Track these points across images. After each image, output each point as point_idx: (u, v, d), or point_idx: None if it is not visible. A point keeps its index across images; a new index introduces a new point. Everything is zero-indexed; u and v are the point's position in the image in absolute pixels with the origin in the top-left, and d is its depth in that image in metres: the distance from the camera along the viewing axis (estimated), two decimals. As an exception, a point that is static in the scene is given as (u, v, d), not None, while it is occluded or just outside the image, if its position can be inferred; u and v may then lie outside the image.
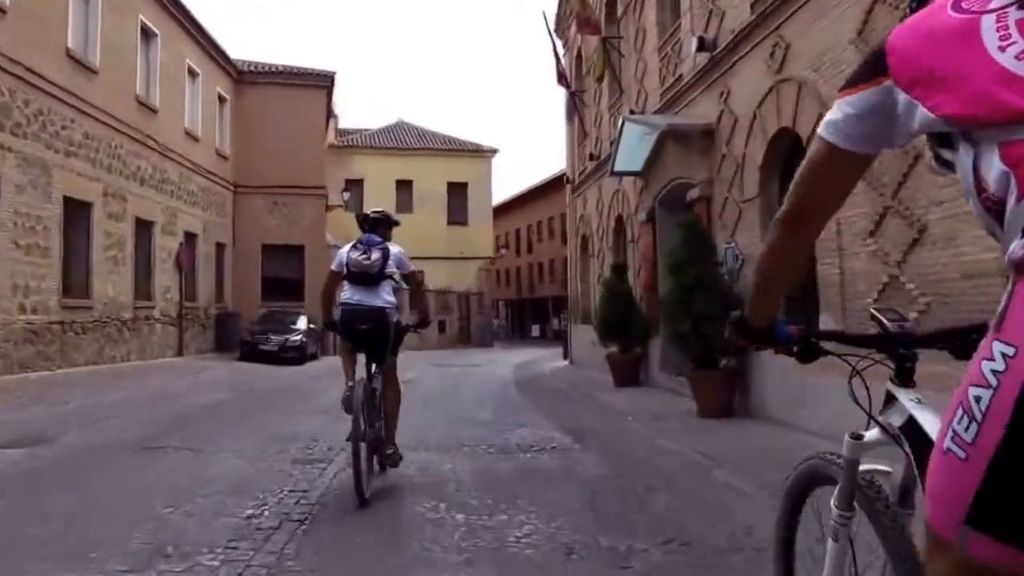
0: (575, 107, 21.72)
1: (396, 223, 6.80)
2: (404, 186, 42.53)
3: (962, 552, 1.19)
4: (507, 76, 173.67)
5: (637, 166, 14.41)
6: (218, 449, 7.77)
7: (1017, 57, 1.14)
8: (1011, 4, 1.19)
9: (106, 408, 11.04)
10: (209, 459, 7.21)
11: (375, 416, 5.78)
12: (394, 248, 6.20)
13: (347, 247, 6.22)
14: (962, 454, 1.17)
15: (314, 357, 25.33)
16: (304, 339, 23.37)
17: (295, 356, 22.69)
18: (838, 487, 1.93)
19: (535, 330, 59.27)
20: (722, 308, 9.14)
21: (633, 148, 13.91)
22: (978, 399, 1.14)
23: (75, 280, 16.55)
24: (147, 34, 20.64)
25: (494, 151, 45.11)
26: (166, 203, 21.63)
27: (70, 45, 16.29)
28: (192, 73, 23.84)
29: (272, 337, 22.82)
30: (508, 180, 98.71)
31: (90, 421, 9.68)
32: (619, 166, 14.70)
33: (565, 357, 24.87)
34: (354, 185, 41.90)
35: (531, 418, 11.18)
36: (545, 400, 14.01)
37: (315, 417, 10.57)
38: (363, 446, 5.42)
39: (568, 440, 8.67)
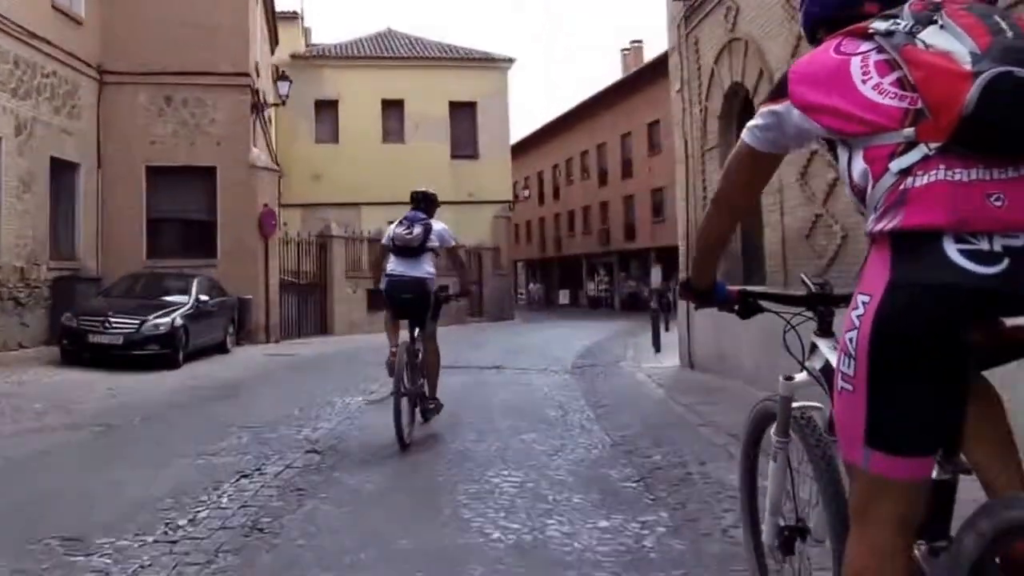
0: None
1: (439, 203, 7.19)
2: (392, 108, 31.96)
3: (867, 471, 1.65)
4: None
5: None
6: None
7: (874, 88, 1.67)
8: (871, 49, 1.72)
9: None
10: None
11: (417, 375, 6.49)
12: (437, 224, 6.75)
13: (394, 223, 6.80)
14: (850, 387, 1.65)
15: (220, 350, 14.97)
16: (184, 322, 12.96)
17: (158, 354, 12.34)
18: (776, 419, 2.39)
19: (563, 296, 48.59)
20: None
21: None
22: (851, 340, 1.63)
23: None
24: None
25: (509, 61, 34.30)
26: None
27: None
28: None
29: (113, 321, 12.40)
30: (522, 112, 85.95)
31: None
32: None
33: (658, 349, 14.39)
34: (327, 108, 31.58)
35: None
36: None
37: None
38: (404, 401, 6.08)
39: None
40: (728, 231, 2.27)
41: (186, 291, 14.02)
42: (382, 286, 6.76)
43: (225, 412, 8.29)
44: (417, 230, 6.53)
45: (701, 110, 11.43)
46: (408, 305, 6.60)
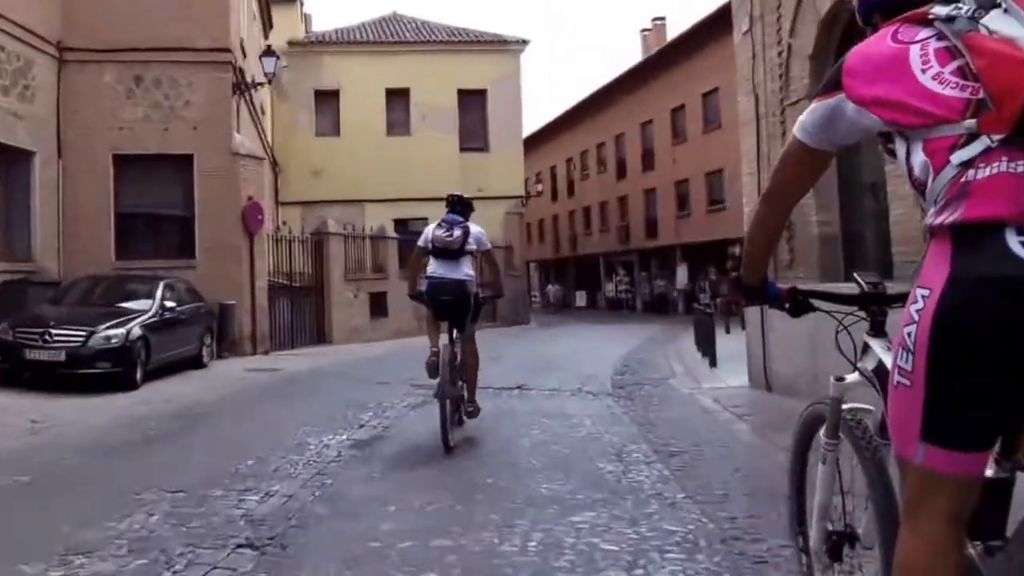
0: None
1: (473, 208, 7.09)
2: (397, 98, 29.87)
3: (921, 466, 1.62)
4: None
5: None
6: None
7: (934, 78, 1.62)
8: (931, 36, 1.67)
9: None
10: None
11: (456, 376, 6.45)
12: (474, 228, 6.75)
13: (432, 225, 6.81)
14: (907, 382, 1.63)
15: (195, 365, 12.83)
16: (144, 333, 10.83)
17: (110, 372, 10.21)
18: (826, 421, 2.34)
19: (579, 298, 46.29)
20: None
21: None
22: (909, 334, 1.61)
23: None
24: None
25: (522, 43, 32.09)
26: None
27: None
28: None
29: (55, 334, 10.24)
30: (531, 105, 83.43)
31: None
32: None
33: (713, 363, 12.13)
34: (327, 99, 29.50)
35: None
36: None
37: None
38: (447, 402, 6.10)
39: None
40: (780, 228, 2.30)
41: (149, 295, 11.88)
42: (422, 287, 6.83)
43: (157, 460, 6.16)
44: (457, 232, 6.60)
45: (781, 52, 9.16)
46: (448, 307, 6.61)
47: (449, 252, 6.60)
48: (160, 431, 7.36)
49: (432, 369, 6.32)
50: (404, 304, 23.62)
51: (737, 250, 30.61)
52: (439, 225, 6.73)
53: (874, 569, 2.13)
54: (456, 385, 6.52)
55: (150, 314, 11.34)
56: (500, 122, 31.00)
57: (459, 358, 6.56)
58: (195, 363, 12.88)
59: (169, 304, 11.87)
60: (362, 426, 7.42)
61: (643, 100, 38.29)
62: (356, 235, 21.59)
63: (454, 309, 6.59)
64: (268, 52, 17.16)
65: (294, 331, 18.27)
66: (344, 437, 6.83)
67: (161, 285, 12.12)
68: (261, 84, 17.58)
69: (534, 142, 46.22)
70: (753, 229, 2.22)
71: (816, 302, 2.31)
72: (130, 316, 11.03)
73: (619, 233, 40.89)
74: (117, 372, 10.26)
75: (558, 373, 12.20)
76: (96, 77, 14.94)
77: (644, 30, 44.91)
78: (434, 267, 6.70)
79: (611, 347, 17.08)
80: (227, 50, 15.69)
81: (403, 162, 28.88)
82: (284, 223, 19.88)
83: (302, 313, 18.92)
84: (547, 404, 8.87)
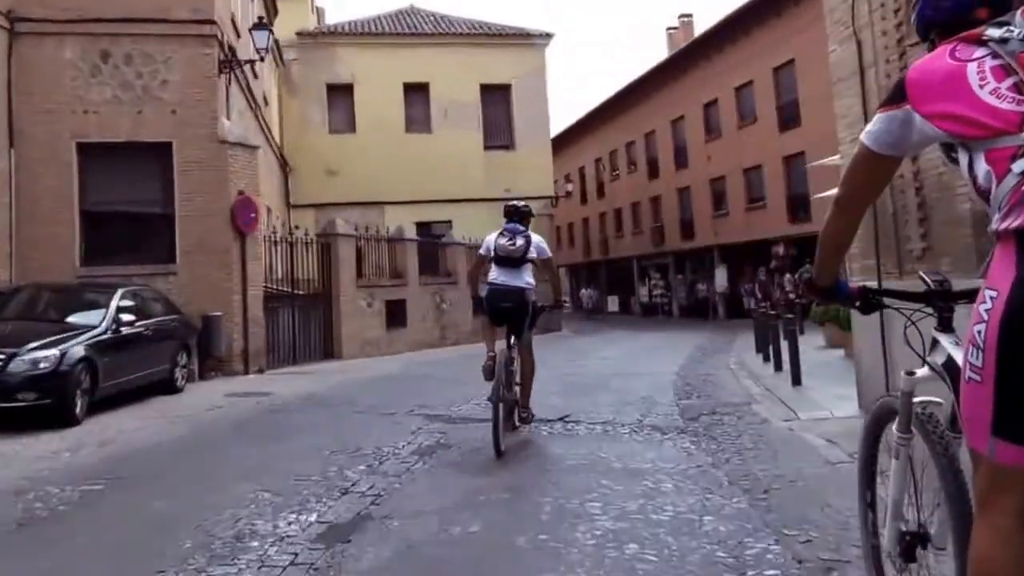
0: None
1: (533, 216, 7.30)
2: (416, 93, 27.72)
3: (992, 460, 1.69)
4: None
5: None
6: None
7: (992, 93, 1.76)
8: (986, 55, 1.81)
9: None
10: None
11: (511, 380, 6.54)
12: (535, 237, 6.89)
13: (494, 234, 6.89)
14: (978, 378, 1.69)
15: (166, 390, 10.58)
16: (89, 355, 8.59)
17: (38, 406, 7.96)
18: (898, 415, 2.37)
19: (611, 303, 43.74)
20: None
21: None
22: (979, 332, 1.68)
23: None
24: None
25: (547, 36, 29.78)
26: None
27: None
28: None
29: (-38, 358, 7.99)
30: (558, 104, 79.25)
31: None
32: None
33: (797, 380, 9.65)
34: (340, 93, 27.35)
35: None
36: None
37: None
38: (501, 406, 6.06)
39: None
40: (852, 232, 2.33)
41: (103, 305, 9.63)
42: (482, 294, 6.88)
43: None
44: (519, 241, 6.72)
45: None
46: (508, 313, 6.69)
47: (511, 260, 6.72)
48: (48, 511, 5.01)
49: (488, 372, 6.40)
50: (424, 313, 21.56)
51: (781, 249, 28.15)
52: (501, 234, 6.82)
53: (948, 569, 2.14)
54: (511, 390, 6.57)
55: (98, 331, 9.08)
56: (526, 119, 28.71)
57: (515, 364, 6.64)
58: (167, 387, 10.63)
59: (126, 318, 9.61)
60: (344, 493, 5.06)
61: (673, 96, 35.95)
62: (370, 236, 19.26)
63: (513, 315, 6.69)
64: (260, 25, 14.83)
65: (296, 345, 15.97)
66: (311, 521, 4.48)
67: (117, 295, 9.85)
68: (251, 61, 15.24)
69: (561, 143, 43.86)
70: (825, 234, 2.28)
71: (886, 300, 2.40)
72: (71, 334, 8.77)
73: (653, 235, 38.41)
74: (48, 404, 8.00)
75: (606, 395, 9.78)
76: (55, 52, 12.78)
77: (670, 28, 42.47)
78: (495, 274, 6.80)
79: (660, 359, 14.64)
80: (211, 22, 13.46)
81: (424, 161, 26.71)
82: (297, 227, 17.60)
83: (307, 325, 16.63)
84: (604, 449, 6.41)
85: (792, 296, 26.56)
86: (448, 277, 22.20)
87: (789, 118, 28.15)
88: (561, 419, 7.86)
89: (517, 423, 6.86)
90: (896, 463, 2.37)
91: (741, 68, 30.49)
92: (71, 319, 9.36)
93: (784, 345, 10.82)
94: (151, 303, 10.78)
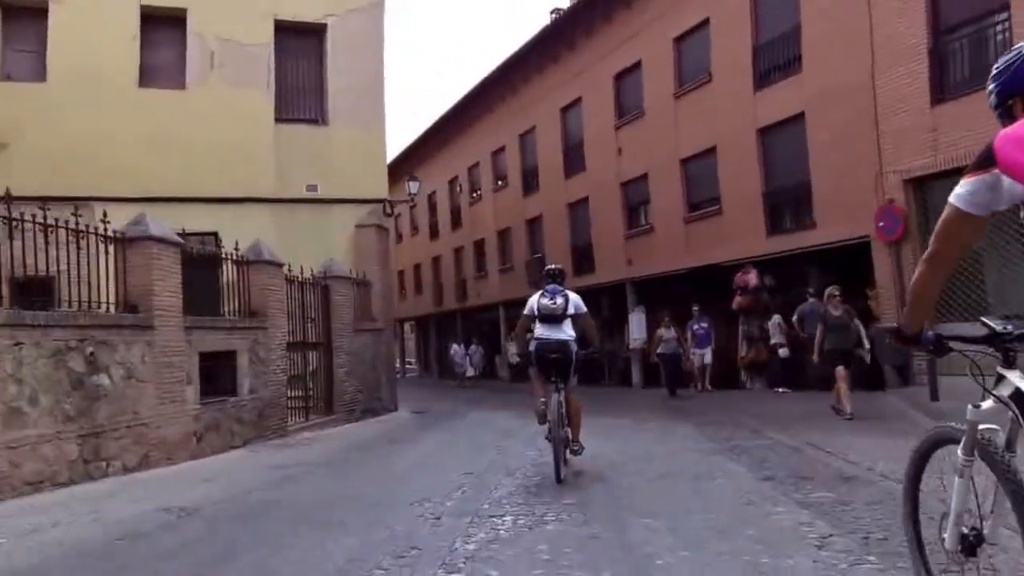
0: None
1: (566, 275, 8.49)
2: (163, 26, 17.40)
3: None
4: None
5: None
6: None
7: None
8: None
9: None
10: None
11: (563, 421, 7.44)
12: (572, 295, 7.85)
13: (537, 295, 7.88)
14: None
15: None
16: None
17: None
18: (963, 439, 2.65)
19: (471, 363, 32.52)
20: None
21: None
22: None
23: None
24: None
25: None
26: None
27: None
28: None
29: None
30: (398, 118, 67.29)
31: None
32: None
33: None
34: (21, 19, 15.97)
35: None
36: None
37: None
38: (558, 441, 7.27)
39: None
40: (940, 285, 2.62)
41: None
42: (531, 348, 7.74)
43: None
44: (560, 300, 7.69)
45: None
46: (554, 364, 7.57)
47: (554, 317, 7.67)
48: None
49: (542, 417, 7.56)
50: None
51: (752, 277, 18.44)
52: (542, 294, 7.78)
53: (998, 561, 2.83)
54: (564, 428, 7.43)
55: None
56: (349, 79, 18.26)
57: (564, 407, 7.45)
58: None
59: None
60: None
61: (562, 75, 26.26)
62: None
63: (558, 365, 7.56)
64: None
65: None
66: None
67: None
68: None
69: (403, 167, 33.65)
70: (915, 287, 2.58)
71: (953, 344, 2.65)
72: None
73: (528, 270, 27.83)
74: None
75: None
76: None
77: (555, 11, 32.87)
78: (541, 330, 7.73)
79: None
80: None
81: (171, 134, 15.96)
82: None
83: None
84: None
85: (780, 348, 16.97)
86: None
87: (767, 72, 18.64)
88: None
89: (570, 455, 7.65)
90: (960, 480, 2.69)
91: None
92: None
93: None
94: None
